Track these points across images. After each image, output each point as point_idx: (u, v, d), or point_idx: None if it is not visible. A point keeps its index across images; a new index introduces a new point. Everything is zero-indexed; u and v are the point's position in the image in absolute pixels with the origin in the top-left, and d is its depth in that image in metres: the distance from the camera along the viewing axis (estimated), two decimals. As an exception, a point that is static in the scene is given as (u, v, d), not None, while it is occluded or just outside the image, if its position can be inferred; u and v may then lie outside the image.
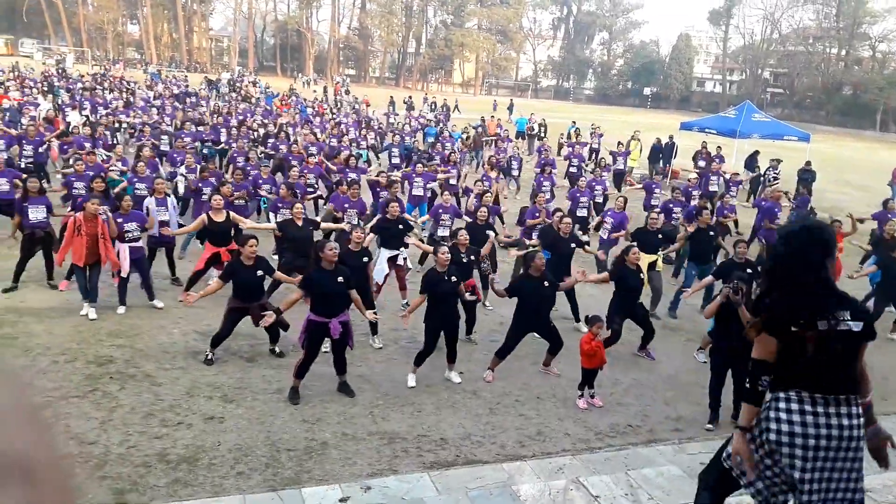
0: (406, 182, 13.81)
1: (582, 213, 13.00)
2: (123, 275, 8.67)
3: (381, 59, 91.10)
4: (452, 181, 14.85)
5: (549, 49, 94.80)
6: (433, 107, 37.28)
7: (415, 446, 6.19)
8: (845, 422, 3.31)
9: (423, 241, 10.29)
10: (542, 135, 27.95)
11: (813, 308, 3.36)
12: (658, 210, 11.11)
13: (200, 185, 11.21)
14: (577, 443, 6.51)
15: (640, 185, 15.96)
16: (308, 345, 6.80)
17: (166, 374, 7.19)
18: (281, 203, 10.52)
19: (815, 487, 3.31)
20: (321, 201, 13.75)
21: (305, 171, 13.25)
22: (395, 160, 18.10)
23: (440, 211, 10.98)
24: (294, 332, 7.24)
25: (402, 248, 9.48)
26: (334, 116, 27.97)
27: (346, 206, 10.72)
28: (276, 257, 9.77)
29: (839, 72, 72.93)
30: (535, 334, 8.00)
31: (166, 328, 8.40)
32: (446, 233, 10.91)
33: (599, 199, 14.61)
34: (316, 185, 13.40)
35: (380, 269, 9.24)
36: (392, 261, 9.42)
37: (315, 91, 43.25)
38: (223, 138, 18.41)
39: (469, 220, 10.34)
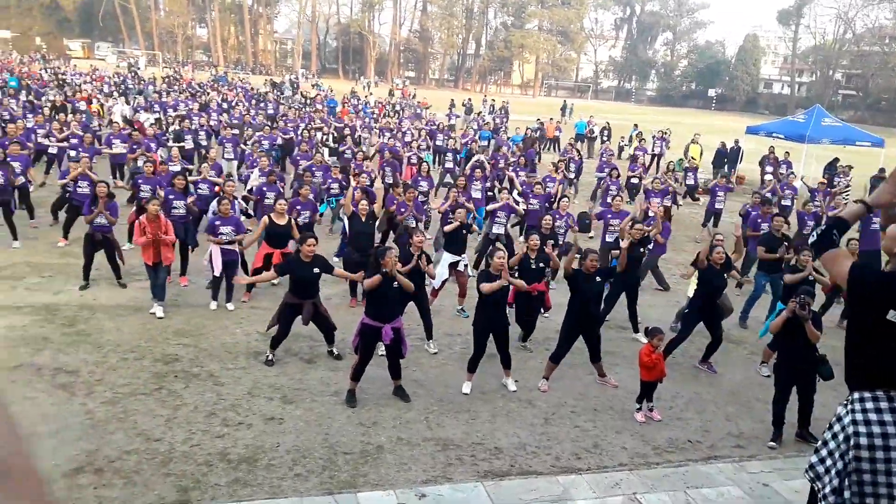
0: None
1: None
2: (217, 275, 9.04)
3: (440, 61, 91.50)
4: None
5: (610, 50, 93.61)
6: (491, 109, 37.20)
7: (469, 454, 6.20)
8: None
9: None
10: (605, 138, 27.59)
11: None
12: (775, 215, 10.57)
13: (266, 189, 11.47)
14: (634, 457, 6.40)
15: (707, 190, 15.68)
16: (361, 348, 6.90)
17: (229, 373, 7.39)
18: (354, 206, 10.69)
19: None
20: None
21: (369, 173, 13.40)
22: (449, 164, 18.17)
23: (497, 210, 11.08)
24: (350, 334, 7.33)
25: (463, 255, 9.53)
26: (398, 119, 28.22)
27: (403, 210, 10.80)
28: (337, 259, 9.93)
29: (917, 73, 69.79)
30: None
31: (229, 328, 8.63)
32: (501, 230, 10.97)
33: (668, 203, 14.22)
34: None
35: (441, 272, 9.34)
36: (453, 266, 9.47)
37: (370, 94, 43.48)
38: (284, 140, 18.75)
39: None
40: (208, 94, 32.05)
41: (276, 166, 15.24)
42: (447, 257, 9.53)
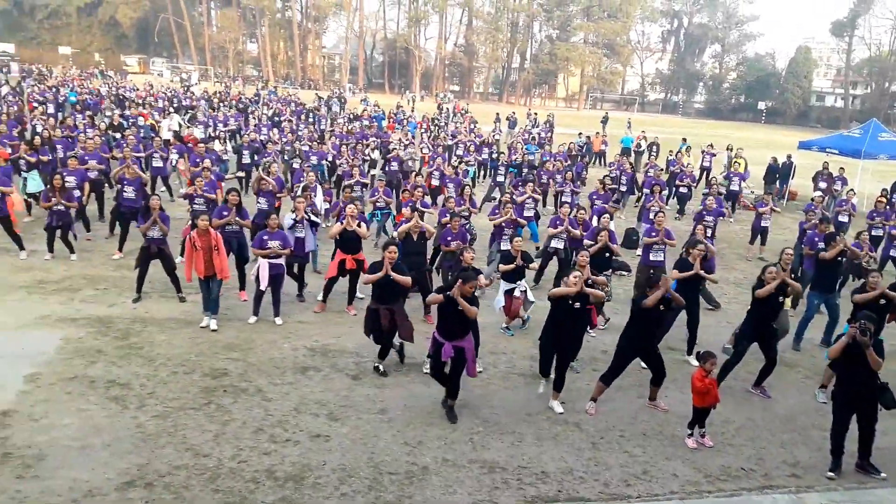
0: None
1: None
2: (262, 288, 9.20)
3: (484, 74, 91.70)
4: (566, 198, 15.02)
5: (657, 62, 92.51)
6: (535, 122, 37.01)
7: (515, 478, 6.11)
8: None
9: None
10: (654, 153, 27.17)
11: None
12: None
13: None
14: (685, 485, 6.23)
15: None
16: (432, 356, 7.24)
17: (276, 389, 7.45)
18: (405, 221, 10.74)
19: None
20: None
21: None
22: (500, 178, 18.23)
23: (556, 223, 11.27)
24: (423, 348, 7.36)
25: (519, 282, 9.64)
26: (444, 134, 28.27)
27: (449, 238, 10.63)
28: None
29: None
30: (642, 364, 7.81)
31: (277, 343, 8.72)
32: (560, 245, 11.05)
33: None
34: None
35: (497, 299, 9.68)
36: (509, 293, 9.62)
37: (413, 109, 43.66)
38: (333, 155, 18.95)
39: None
40: (256, 108, 32.64)
41: (324, 182, 15.42)
42: (504, 285, 9.67)
